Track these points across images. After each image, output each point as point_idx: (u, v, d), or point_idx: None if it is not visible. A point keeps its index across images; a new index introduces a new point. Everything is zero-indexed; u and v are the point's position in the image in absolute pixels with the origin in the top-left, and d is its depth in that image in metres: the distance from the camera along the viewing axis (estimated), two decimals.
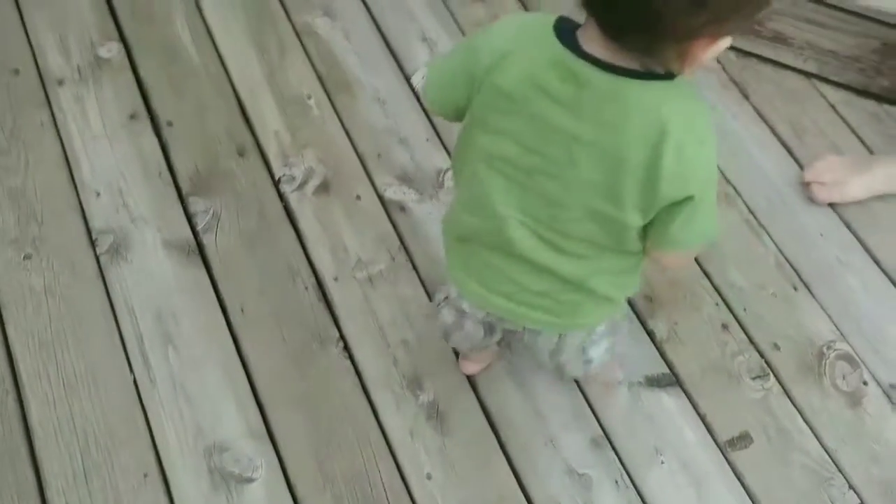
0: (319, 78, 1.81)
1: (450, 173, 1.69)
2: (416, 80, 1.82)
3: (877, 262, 1.62)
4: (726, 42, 0.77)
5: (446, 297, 1.19)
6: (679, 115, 0.82)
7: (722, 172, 1.69)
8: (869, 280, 1.61)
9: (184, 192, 1.64)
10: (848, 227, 1.66)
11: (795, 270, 1.61)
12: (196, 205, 1.62)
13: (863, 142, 1.78)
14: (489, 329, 1.18)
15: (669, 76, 0.82)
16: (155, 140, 1.69)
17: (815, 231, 1.66)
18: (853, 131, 1.80)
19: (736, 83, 1.85)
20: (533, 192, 0.90)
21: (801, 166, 1.73)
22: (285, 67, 1.82)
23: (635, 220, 0.87)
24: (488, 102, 0.88)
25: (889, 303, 1.58)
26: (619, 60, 0.80)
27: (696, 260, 1.59)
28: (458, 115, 0.96)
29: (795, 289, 1.59)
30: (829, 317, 1.56)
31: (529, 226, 0.93)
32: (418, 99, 1.80)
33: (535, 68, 0.83)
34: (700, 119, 0.85)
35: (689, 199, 0.84)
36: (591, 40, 0.81)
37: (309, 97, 1.78)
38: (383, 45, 1.88)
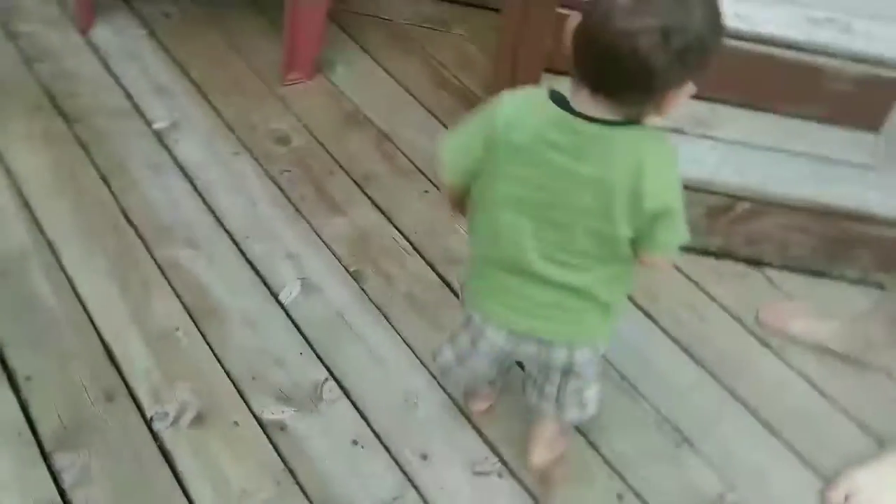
0: (186, 309, 1.81)
1: (328, 384, 1.68)
2: (285, 296, 1.85)
3: (748, 409, 1.70)
4: (689, 91, 1.04)
5: (454, 336, 1.40)
6: (652, 149, 1.10)
7: None
8: (745, 428, 1.67)
9: (47, 449, 1.54)
10: (715, 378, 1.75)
11: (676, 428, 1.65)
12: (62, 460, 1.53)
13: (710, 296, 1.92)
14: (496, 362, 1.41)
15: (640, 124, 1.09)
16: (12, 398, 1.61)
17: (686, 387, 1.73)
18: (700, 288, 1.94)
19: None
20: (545, 221, 1.16)
21: (659, 326, 1.84)
22: (150, 303, 1.81)
23: (625, 232, 1.12)
24: (505, 157, 1.14)
25: (768, 448, 1.64)
26: (604, 115, 1.07)
27: (581, 433, 1.62)
28: (469, 178, 1.22)
29: (678, 446, 1.63)
30: (715, 470, 1.59)
31: (539, 250, 1.18)
32: (288, 315, 1.81)
33: (541, 127, 1.11)
34: (667, 151, 1.13)
35: (667, 210, 1.10)
36: (581, 102, 1.08)
37: (177, 329, 1.77)
38: (248, 267, 1.91)
